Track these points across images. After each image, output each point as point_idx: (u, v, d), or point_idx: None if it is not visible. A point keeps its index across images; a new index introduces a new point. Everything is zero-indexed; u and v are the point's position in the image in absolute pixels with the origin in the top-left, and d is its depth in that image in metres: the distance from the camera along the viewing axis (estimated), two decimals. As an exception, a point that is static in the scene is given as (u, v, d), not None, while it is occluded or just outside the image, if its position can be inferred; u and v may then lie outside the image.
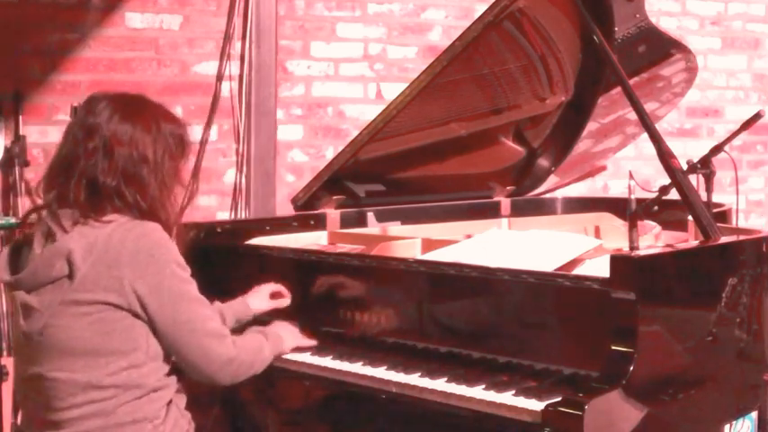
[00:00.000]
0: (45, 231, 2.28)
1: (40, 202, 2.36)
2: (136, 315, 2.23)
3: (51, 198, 2.30)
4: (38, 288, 2.25)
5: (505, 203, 3.74)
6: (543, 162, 3.76)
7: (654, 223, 3.25)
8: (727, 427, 2.48)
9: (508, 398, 2.27)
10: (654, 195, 2.78)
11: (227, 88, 4.52)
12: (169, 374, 2.33)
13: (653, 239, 3.14)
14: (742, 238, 2.70)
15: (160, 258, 2.24)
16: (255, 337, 2.54)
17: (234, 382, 2.40)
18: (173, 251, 2.28)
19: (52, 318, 2.23)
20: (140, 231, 2.24)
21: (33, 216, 2.37)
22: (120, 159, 2.28)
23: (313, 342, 2.69)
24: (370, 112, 3.86)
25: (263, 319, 2.74)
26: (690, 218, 2.86)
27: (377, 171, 3.47)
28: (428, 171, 3.59)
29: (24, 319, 2.27)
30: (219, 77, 4.50)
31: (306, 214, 3.31)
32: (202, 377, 2.35)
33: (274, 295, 2.80)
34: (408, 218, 3.45)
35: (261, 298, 2.77)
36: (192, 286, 2.32)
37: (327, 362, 2.59)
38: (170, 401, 2.33)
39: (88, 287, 2.20)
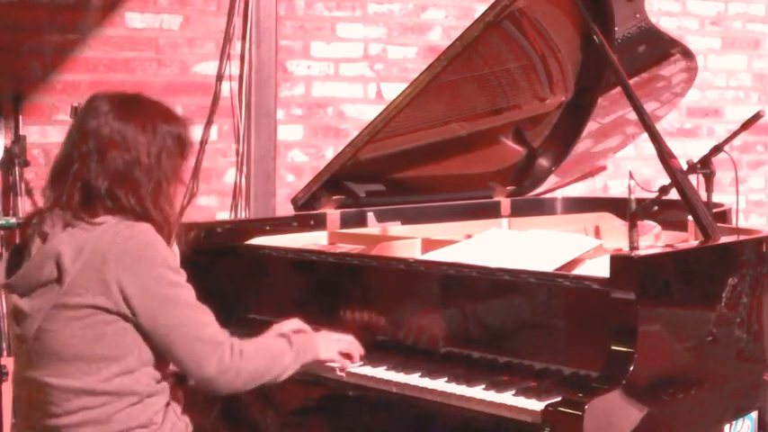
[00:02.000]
0: (40, 234, 2.26)
1: (41, 204, 2.36)
2: (125, 318, 2.19)
3: (49, 200, 2.29)
4: (29, 292, 2.23)
5: (505, 203, 3.74)
6: (543, 162, 3.76)
7: (654, 223, 3.25)
8: (727, 427, 2.48)
9: (508, 398, 2.27)
10: (654, 195, 2.78)
11: (227, 88, 4.52)
12: (163, 379, 2.29)
13: (653, 239, 3.14)
14: (742, 238, 2.70)
15: (148, 260, 2.20)
16: (274, 343, 2.43)
17: (235, 391, 2.32)
18: (163, 253, 2.23)
19: (44, 322, 2.20)
20: (129, 233, 2.21)
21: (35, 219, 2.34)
22: (112, 161, 2.24)
23: (354, 357, 2.53)
24: (370, 112, 3.85)
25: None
26: (690, 218, 2.86)
27: (377, 171, 3.47)
28: (428, 171, 3.59)
29: (18, 323, 2.26)
30: (219, 77, 4.50)
31: (306, 214, 3.31)
32: (200, 384, 2.30)
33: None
34: (408, 218, 3.45)
35: (327, 339, 2.54)
36: (184, 290, 2.26)
37: (327, 362, 2.59)
38: (167, 405, 2.30)
39: (77, 291, 2.17)
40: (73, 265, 2.17)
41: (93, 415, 2.20)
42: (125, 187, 2.25)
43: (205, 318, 2.28)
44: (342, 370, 2.51)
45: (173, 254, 2.27)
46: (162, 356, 2.28)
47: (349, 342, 2.55)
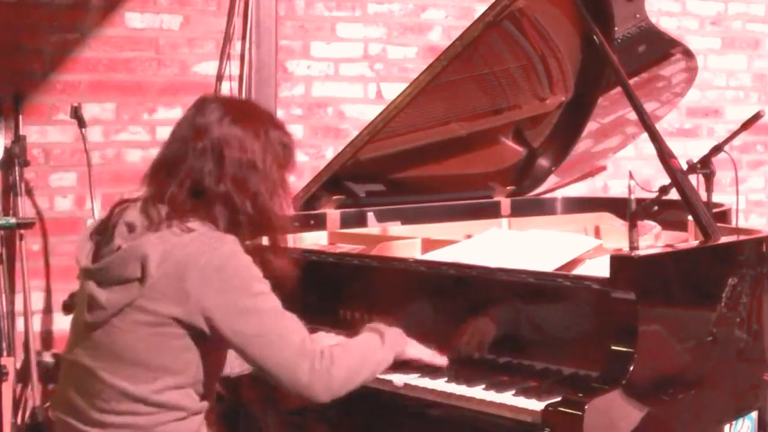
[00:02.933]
0: (129, 224, 2.22)
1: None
2: (195, 334, 2.16)
3: (147, 194, 2.25)
4: (109, 284, 2.19)
5: (505, 203, 3.74)
6: (543, 162, 3.76)
7: (654, 223, 3.25)
8: (727, 427, 2.49)
9: (508, 398, 2.27)
10: (654, 195, 2.78)
11: (227, 88, 4.51)
12: (209, 400, 2.28)
13: (653, 239, 3.14)
14: (742, 238, 2.70)
15: (229, 272, 2.15)
16: (364, 340, 2.38)
17: (334, 395, 2.26)
18: (244, 264, 2.19)
19: (116, 318, 2.17)
20: (214, 244, 2.16)
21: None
22: (229, 164, 2.22)
23: (443, 359, 2.48)
24: (370, 112, 3.85)
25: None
26: (690, 218, 2.86)
27: (377, 171, 3.47)
28: (428, 171, 3.59)
29: (89, 310, 2.22)
30: (219, 77, 4.50)
31: (306, 214, 3.31)
32: (296, 393, 2.24)
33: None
34: (408, 218, 3.45)
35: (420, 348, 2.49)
36: (267, 298, 2.22)
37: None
38: (202, 422, 2.28)
39: (155, 296, 2.14)
40: (157, 270, 2.14)
41: (140, 422, 2.18)
42: (243, 192, 2.23)
43: (292, 325, 2.24)
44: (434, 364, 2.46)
45: (254, 265, 2.21)
46: (215, 375, 2.27)
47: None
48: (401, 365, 2.48)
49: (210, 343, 2.20)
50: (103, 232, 2.29)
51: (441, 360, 2.48)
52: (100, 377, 2.19)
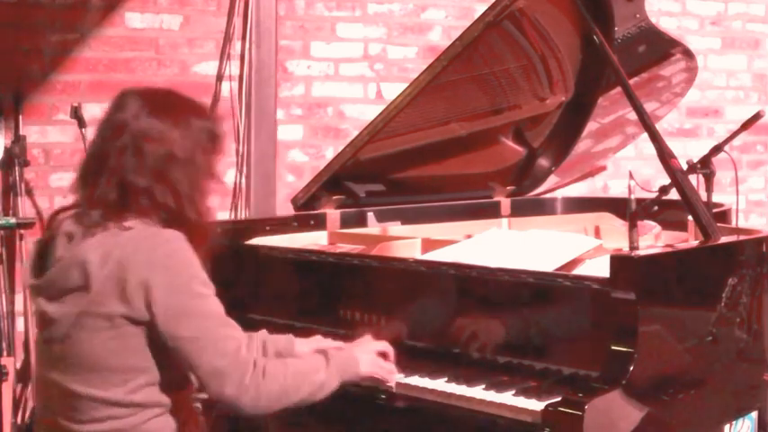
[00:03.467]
0: (68, 233, 2.21)
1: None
2: (152, 329, 2.14)
3: (80, 198, 2.24)
4: (57, 297, 2.18)
5: (505, 203, 3.74)
6: (543, 162, 3.76)
7: (654, 223, 3.25)
8: (727, 427, 2.48)
9: (508, 398, 2.27)
10: (654, 195, 2.78)
11: (227, 88, 4.51)
12: (188, 391, 2.27)
13: (653, 239, 3.14)
14: (742, 238, 2.70)
15: (171, 270, 2.14)
16: (309, 360, 2.37)
17: (260, 412, 2.22)
18: (187, 262, 2.17)
19: (72, 329, 2.16)
20: (156, 241, 2.15)
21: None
22: (149, 157, 2.19)
23: (393, 372, 2.45)
24: (370, 112, 3.85)
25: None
26: (690, 218, 2.86)
27: (377, 171, 3.47)
28: (428, 171, 3.59)
29: (44, 326, 2.21)
30: (219, 77, 4.50)
31: (306, 214, 3.31)
32: (221, 402, 2.21)
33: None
34: (408, 218, 3.45)
35: (366, 351, 2.46)
36: (208, 301, 2.18)
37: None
38: (190, 413, 2.28)
39: (104, 300, 2.12)
40: (99, 273, 2.12)
41: (120, 425, 2.16)
42: (162, 184, 2.20)
43: (229, 332, 2.20)
44: (385, 383, 2.43)
45: (199, 264, 2.20)
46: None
47: (386, 349, 2.48)
48: (402, 366, 2.49)
49: (157, 334, 2.16)
50: (46, 247, 2.27)
51: (390, 378, 2.44)
52: (72, 390, 2.17)
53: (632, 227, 2.57)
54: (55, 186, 4.25)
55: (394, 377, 2.45)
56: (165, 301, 2.13)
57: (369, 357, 2.42)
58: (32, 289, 2.27)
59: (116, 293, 2.12)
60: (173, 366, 2.19)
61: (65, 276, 2.17)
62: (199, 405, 2.40)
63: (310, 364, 2.33)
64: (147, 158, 2.19)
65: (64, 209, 2.29)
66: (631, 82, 3.08)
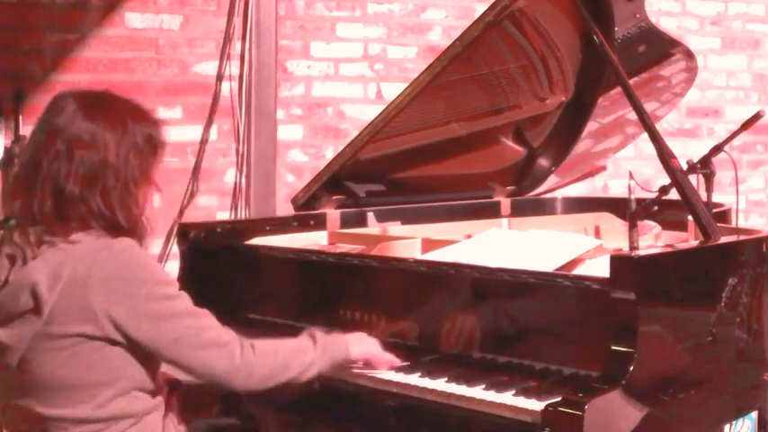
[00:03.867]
0: (9, 254, 2.12)
1: None
2: (114, 343, 2.09)
3: (16, 211, 2.14)
4: (7, 322, 2.10)
5: (505, 203, 3.74)
6: (543, 162, 3.76)
7: (654, 223, 3.25)
8: (727, 427, 2.48)
9: (508, 398, 2.27)
10: (654, 195, 2.78)
11: (227, 88, 4.52)
12: (159, 393, 2.23)
13: (653, 239, 3.14)
14: (742, 238, 2.70)
15: (132, 281, 2.08)
16: (297, 340, 2.36)
17: (252, 389, 2.24)
18: (148, 268, 2.12)
19: (27, 353, 2.09)
20: (108, 255, 2.08)
21: None
22: (81, 162, 2.11)
23: (392, 358, 2.49)
24: (370, 112, 3.85)
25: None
26: (690, 218, 2.86)
27: (377, 171, 3.47)
28: (428, 171, 3.59)
29: None
30: (219, 77, 4.50)
31: (306, 214, 3.31)
32: (215, 386, 2.23)
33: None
34: (408, 218, 3.45)
35: (357, 338, 2.49)
36: (178, 301, 2.15)
37: (327, 362, 2.59)
38: (164, 417, 2.24)
39: (59, 320, 2.05)
40: (50, 294, 2.05)
41: None
42: (95, 190, 2.11)
43: (205, 322, 2.19)
44: (378, 367, 2.46)
45: (158, 266, 2.16)
46: (154, 369, 2.20)
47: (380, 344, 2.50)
48: (401, 366, 2.49)
49: (133, 346, 2.12)
50: None
51: (388, 359, 2.47)
52: (38, 414, 2.12)
53: (632, 227, 2.57)
54: (55, 186, 4.25)
55: (389, 364, 2.47)
56: (135, 316, 2.08)
57: (360, 340, 2.45)
58: None
59: (75, 313, 2.06)
60: (143, 374, 2.16)
61: (13, 301, 2.09)
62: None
63: (298, 345, 2.34)
64: (78, 164, 2.11)
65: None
66: (631, 82, 3.08)
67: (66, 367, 2.09)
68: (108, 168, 2.13)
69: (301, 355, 2.32)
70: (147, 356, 2.16)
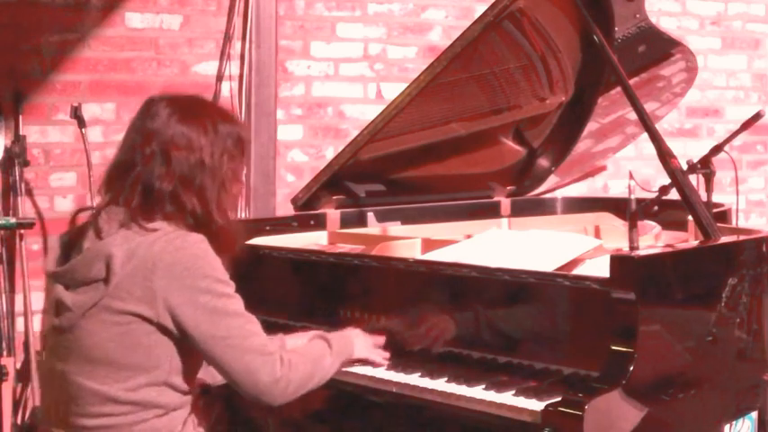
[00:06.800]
0: (96, 229, 2.24)
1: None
2: (164, 331, 2.17)
3: (105, 201, 2.27)
4: (75, 286, 2.21)
5: (505, 203, 3.74)
6: (543, 162, 3.76)
7: (654, 223, 3.25)
8: (727, 427, 2.48)
9: (508, 398, 2.27)
10: (654, 195, 2.78)
11: (227, 88, 4.52)
12: (190, 392, 2.28)
13: (653, 239, 3.14)
14: (742, 238, 2.70)
15: (196, 272, 2.17)
16: (315, 346, 2.44)
17: (285, 401, 2.29)
18: (212, 264, 2.21)
19: (84, 319, 2.18)
20: (181, 243, 2.18)
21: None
22: (177, 164, 2.23)
23: (385, 355, 2.56)
24: (370, 112, 3.86)
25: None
26: (690, 218, 2.86)
27: (377, 171, 3.47)
28: (428, 171, 3.59)
29: (57, 314, 2.23)
30: (219, 77, 4.51)
31: (306, 214, 3.31)
32: (250, 396, 2.26)
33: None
34: (408, 218, 3.45)
35: (359, 335, 2.57)
36: (233, 300, 2.24)
37: (327, 362, 2.59)
38: (188, 416, 2.28)
39: (122, 295, 2.15)
40: (122, 269, 2.15)
41: (117, 422, 2.18)
42: (190, 190, 2.24)
43: (254, 328, 2.27)
44: (375, 365, 2.52)
45: (221, 266, 2.24)
46: (192, 370, 2.26)
47: (379, 341, 2.58)
48: (402, 366, 2.49)
49: (181, 339, 2.20)
50: (72, 240, 2.31)
51: (382, 356, 2.54)
52: (72, 381, 2.19)
53: (632, 227, 2.57)
54: (55, 186, 4.26)
55: (385, 361, 2.53)
56: (190, 304, 2.17)
57: (362, 341, 2.53)
58: (51, 276, 2.28)
59: (137, 292, 2.15)
60: (179, 369, 2.21)
61: (87, 267, 2.19)
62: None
63: (319, 351, 2.41)
64: (175, 166, 2.23)
65: (88, 207, 2.31)
66: (631, 82, 3.08)
67: (113, 342, 2.17)
68: (204, 169, 2.26)
69: (322, 360, 2.39)
70: (190, 353, 2.23)
